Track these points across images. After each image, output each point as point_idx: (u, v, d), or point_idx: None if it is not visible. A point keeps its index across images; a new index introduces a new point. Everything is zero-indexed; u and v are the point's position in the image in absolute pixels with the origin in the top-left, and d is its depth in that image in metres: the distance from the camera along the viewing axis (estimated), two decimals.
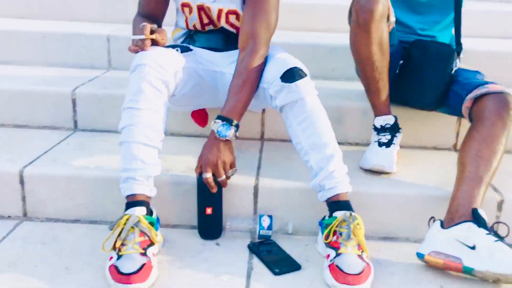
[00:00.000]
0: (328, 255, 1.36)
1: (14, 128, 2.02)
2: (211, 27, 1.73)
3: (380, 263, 1.44)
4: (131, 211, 1.36)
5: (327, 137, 1.48)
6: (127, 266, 1.26)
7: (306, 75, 1.51)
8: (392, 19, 1.64)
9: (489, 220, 1.39)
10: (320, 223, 1.45)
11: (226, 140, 1.48)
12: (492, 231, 1.34)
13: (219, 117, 1.49)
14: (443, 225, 1.39)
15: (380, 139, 1.73)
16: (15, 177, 1.61)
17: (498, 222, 1.40)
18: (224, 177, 1.48)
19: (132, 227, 1.33)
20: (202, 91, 1.72)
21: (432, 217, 1.44)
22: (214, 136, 1.48)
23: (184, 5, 1.70)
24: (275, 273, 1.37)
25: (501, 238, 1.33)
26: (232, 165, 1.51)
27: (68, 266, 1.37)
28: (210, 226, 1.54)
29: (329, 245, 1.38)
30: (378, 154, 1.68)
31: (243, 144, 1.93)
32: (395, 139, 1.73)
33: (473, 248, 1.31)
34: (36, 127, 2.03)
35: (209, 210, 1.51)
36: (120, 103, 1.94)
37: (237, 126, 1.50)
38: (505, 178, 1.69)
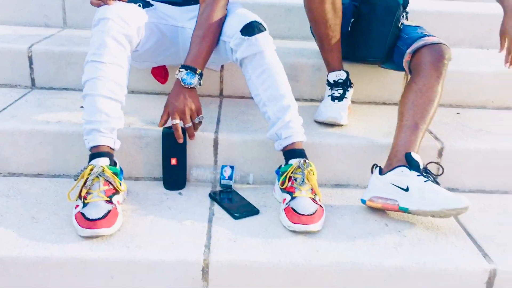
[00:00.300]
0: (284, 200, 1.46)
1: None
2: None
3: (332, 207, 1.56)
4: (95, 161, 1.41)
5: (284, 89, 1.56)
6: (93, 213, 1.31)
7: (265, 29, 1.57)
8: None
9: (426, 162, 1.53)
10: (277, 172, 1.54)
11: (191, 87, 1.54)
12: (425, 172, 1.46)
13: (183, 66, 1.55)
14: (381, 172, 1.51)
15: (333, 93, 1.82)
16: None
17: (430, 162, 1.54)
18: (191, 123, 1.55)
19: (97, 177, 1.38)
20: (164, 47, 1.76)
21: (374, 164, 1.55)
22: (180, 85, 1.54)
23: None
24: (235, 217, 1.46)
25: (432, 178, 1.46)
26: (198, 112, 1.57)
27: (34, 216, 1.41)
28: (174, 177, 1.61)
29: (285, 190, 1.48)
30: (332, 108, 1.78)
31: (202, 100, 1.98)
32: (347, 93, 1.82)
33: (406, 190, 1.42)
34: None
35: (173, 161, 1.58)
36: (77, 60, 1.97)
37: (200, 74, 1.56)
38: (445, 128, 1.83)
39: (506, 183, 1.71)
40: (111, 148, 1.47)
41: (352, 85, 1.87)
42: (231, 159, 1.67)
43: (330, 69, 1.85)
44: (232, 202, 1.54)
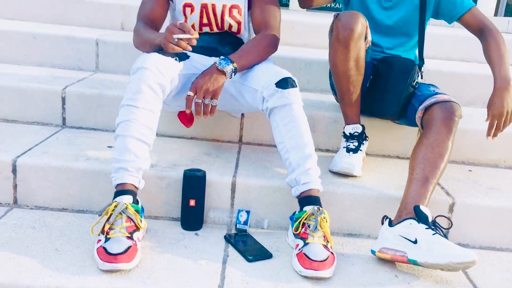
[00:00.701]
0: (297, 245, 1.51)
1: (5, 122, 2.13)
2: (207, 29, 1.90)
3: (343, 255, 1.60)
4: (119, 198, 1.49)
5: (307, 139, 1.65)
6: (114, 247, 1.38)
7: (297, 86, 1.70)
8: (369, 38, 1.83)
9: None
10: (291, 218, 1.60)
11: (222, 71, 1.65)
12: (433, 225, 1.50)
13: (224, 57, 1.69)
14: (391, 223, 1.56)
15: (348, 145, 1.90)
16: (8, 166, 1.72)
17: (439, 216, 1.58)
18: (200, 100, 1.63)
19: (120, 213, 1.45)
20: None
21: (384, 216, 1.60)
22: (214, 67, 1.66)
23: (186, 5, 1.86)
24: (249, 260, 1.51)
25: (441, 231, 1.50)
26: (214, 96, 1.65)
27: (57, 248, 1.48)
28: (192, 217, 1.67)
29: (298, 236, 1.53)
30: (346, 159, 1.85)
31: (222, 146, 2.08)
32: (362, 146, 1.90)
33: (415, 242, 1.46)
34: (26, 123, 2.14)
35: (192, 202, 1.65)
36: (107, 102, 2.09)
37: (235, 69, 1.69)
38: (457, 184, 1.88)
39: None
40: (135, 187, 1.55)
41: (367, 139, 1.94)
42: (247, 203, 1.74)
43: (348, 122, 1.93)
44: (246, 245, 1.60)
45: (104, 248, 1.38)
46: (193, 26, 1.89)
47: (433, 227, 1.49)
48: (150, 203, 1.73)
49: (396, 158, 2.17)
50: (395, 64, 1.93)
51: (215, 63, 1.68)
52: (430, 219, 1.51)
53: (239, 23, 1.91)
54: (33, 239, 1.52)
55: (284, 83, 1.66)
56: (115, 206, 1.46)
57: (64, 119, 2.15)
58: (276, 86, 1.66)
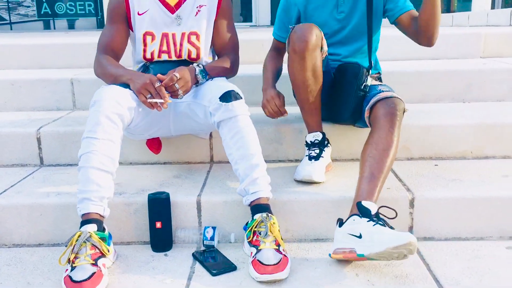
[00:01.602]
0: (252, 253, 1.57)
1: None
2: (166, 56, 1.98)
3: (308, 260, 1.64)
4: (83, 228, 1.55)
5: (253, 149, 1.71)
6: (79, 275, 1.44)
7: (241, 97, 1.77)
8: (325, 48, 1.90)
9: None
10: (245, 228, 1.66)
11: (196, 80, 1.86)
12: (376, 217, 1.53)
13: (202, 69, 1.89)
14: (341, 224, 1.59)
15: (310, 153, 1.95)
16: None
17: (382, 206, 1.60)
18: (175, 88, 1.75)
19: (84, 242, 1.52)
20: (155, 122, 1.94)
21: (338, 219, 1.63)
22: (193, 72, 1.85)
23: (147, 33, 1.96)
24: (213, 274, 1.56)
25: (383, 221, 1.52)
26: (186, 91, 1.80)
27: (30, 281, 1.55)
28: (160, 239, 1.74)
29: (251, 244, 1.59)
30: (308, 166, 1.90)
31: (194, 167, 2.15)
32: (323, 153, 1.95)
33: (359, 237, 1.50)
34: (5, 166, 2.23)
35: (158, 224, 1.71)
36: (80, 138, 2.17)
37: (207, 77, 1.90)
38: (420, 180, 1.92)
39: (480, 229, 1.76)
40: (100, 215, 1.61)
41: (329, 145, 1.99)
42: (214, 220, 1.79)
43: (309, 131, 1.99)
44: (214, 260, 1.64)
45: (70, 277, 1.45)
46: (152, 54, 1.98)
47: (375, 218, 1.52)
48: (121, 230, 1.80)
49: None
50: (347, 70, 1.98)
51: (195, 69, 1.85)
52: (374, 212, 1.54)
53: (197, 49, 1.99)
54: (7, 276, 1.59)
55: (227, 97, 1.73)
56: (79, 236, 1.52)
57: (41, 158, 2.24)
58: (220, 100, 1.73)
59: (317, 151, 1.95)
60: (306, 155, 1.96)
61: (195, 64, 1.90)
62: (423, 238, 1.78)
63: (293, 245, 1.75)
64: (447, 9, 8.02)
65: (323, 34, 1.89)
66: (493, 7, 7.11)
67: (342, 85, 1.98)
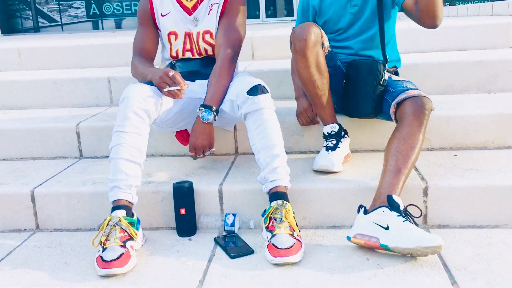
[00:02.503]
0: (267, 237, 1.68)
1: (31, 160, 2.42)
2: (190, 54, 2.11)
3: (322, 245, 1.73)
4: (114, 213, 1.70)
5: (275, 140, 1.81)
6: (108, 255, 1.59)
7: (267, 92, 1.87)
8: (326, 44, 1.97)
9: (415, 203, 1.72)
10: (262, 214, 1.76)
11: (208, 123, 1.89)
12: (404, 213, 1.62)
13: (202, 105, 1.91)
14: (366, 211, 1.67)
15: (327, 144, 2.03)
16: (27, 197, 1.98)
17: (410, 205, 1.68)
18: (201, 155, 1.93)
19: (114, 226, 1.66)
20: (183, 116, 2.07)
21: (360, 205, 1.72)
22: (199, 121, 1.90)
23: (171, 33, 2.09)
24: (231, 257, 1.67)
25: (411, 218, 1.62)
26: (211, 146, 1.93)
27: (67, 261, 1.71)
28: (185, 225, 1.86)
29: (268, 229, 1.69)
30: (326, 157, 1.98)
31: (219, 159, 2.27)
32: (340, 143, 2.02)
33: (386, 228, 1.59)
34: (48, 158, 2.42)
35: (183, 211, 1.84)
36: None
37: (216, 111, 1.90)
38: (437, 169, 1.96)
39: (494, 217, 1.79)
40: (129, 202, 1.75)
41: (346, 136, 2.06)
42: (234, 207, 1.90)
43: (325, 123, 2.06)
44: (234, 244, 1.76)
45: (101, 257, 1.60)
46: (177, 52, 2.11)
47: (404, 215, 1.60)
48: (150, 216, 1.94)
49: (383, 151, 2.26)
50: (361, 66, 2.04)
51: (198, 116, 1.90)
52: (401, 208, 1.62)
53: (213, 46, 2.10)
54: (47, 256, 1.76)
55: (254, 91, 1.83)
56: (109, 220, 1.67)
57: (80, 151, 2.41)
58: (248, 94, 1.83)
59: (334, 142, 2.02)
60: (324, 146, 2.04)
61: (198, 111, 1.92)
62: (438, 225, 1.83)
63: (310, 232, 1.84)
64: None
65: (323, 31, 1.96)
66: None
67: (358, 80, 2.04)
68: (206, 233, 1.87)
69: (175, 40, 2.11)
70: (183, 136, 2.26)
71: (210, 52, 2.10)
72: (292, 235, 1.64)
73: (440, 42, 3.06)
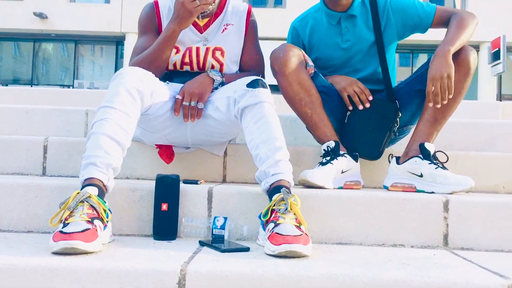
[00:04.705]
0: (269, 229, 1.37)
1: None
2: (188, 68, 1.96)
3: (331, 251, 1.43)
4: (83, 190, 1.39)
5: (277, 133, 1.60)
6: (70, 228, 1.26)
7: (267, 87, 1.70)
8: (310, 63, 1.90)
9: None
10: (259, 216, 1.47)
11: (211, 78, 1.85)
12: (434, 159, 1.75)
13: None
14: (398, 161, 1.81)
15: (321, 160, 1.85)
16: None
17: (438, 151, 1.79)
18: (187, 103, 1.77)
19: (82, 202, 1.34)
20: (174, 122, 1.85)
21: (390, 154, 1.86)
22: (205, 74, 1.86)
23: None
24: (222, 251, 1.36)
25: (441, 164, 1.76)
26: (202, 99, 1.79)
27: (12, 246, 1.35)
28: (164, 224, 1.54)
29: (268, 222, 1.40)
30: (314, 172, 1.77)
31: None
32: (334, 160, 1.82)
33: (421, 176, 1.75)
34: (5, 174, 2.10)
35: (164, 206, 1.54)
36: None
37: (223, 82, 1.88)
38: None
39: None
40: (104, 184, 1.45)
41: (345, 155, 1.86)
42: (225, 211, 1.61)
43: (321, 142, 1.90)
44: (223, 244, 1.44)
45: (60, 231, 1.26)
46: (174, 65, 1.97)
47: (435, 161, 1.74)
48: (122, 220, 1.61)
49: None
50: (377, 107, 1.94)
51: (206, 71, 1.84)
52: (432, 154, 1.76)
53: (221, 64, 1.97)
54: None
55: (254, 83, 1.68)
56: (77, 194, 1.36)
57: (44, 168, 2.11)
58: (247, 87, 1.67)
59: (328, 158, 1.83)
60: (318, 162, 1.86)
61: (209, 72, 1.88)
62: (461, 248, 1.57)
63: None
64: None
65: (303, 51, 1.91)
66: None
67: (369, 120, 1.93)
68: (189, 239, 1.55)
69: (175, 53, 1.97)
70: (167, 153, 2.01)
71: (216, 69, 1.96)
72: (298, 227, 1.35)
73: None
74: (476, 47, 12.90)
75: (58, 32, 13.44)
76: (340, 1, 1.95)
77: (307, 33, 2.07)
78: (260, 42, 2.10)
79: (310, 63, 1.91)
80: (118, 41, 14.23)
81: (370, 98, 1.93)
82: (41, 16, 13.05)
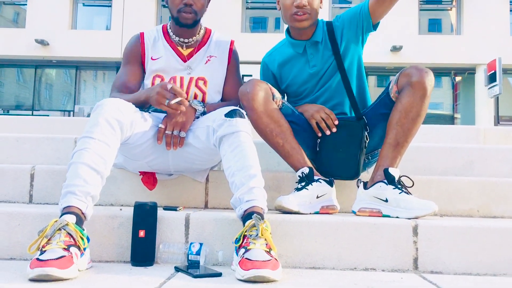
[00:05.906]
0: (240, 254, 1.43)
1: None
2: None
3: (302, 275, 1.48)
4: (61, 218, 1.44)
5: (252, 161, 1.67)
6: (46, 256, 1.31)
7: (245, 117, 1.78)
8: (277, 95, 1.97)
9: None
10: (233, 242, 1.51)
11: (193, 108, 1.93)
12: (399, 184, 1.80)
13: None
14: (366, 186, 1.85)
15: (297, 186, 1.90)
16: None
17: (403, 176, 1.85)
18: (170, 132, 1.84)
19: (59, 229, 1.40)
20: (156, 149, 1.91)
21: (358, 179, 1.91)
22: (188, 104, 1.88)
23: (157, 76, 2.03)
24: (193, 276, 1.41)
25: (405, 189, 1.80)
26: (183, 128, 1.86)
27: None
28: (141, 250, 1.59)
29: (240, 248, 1.46)
30: (289, 198, 1.83)
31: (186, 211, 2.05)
32: (309, 185, 1.88)
33: (386, 201, 1.80)
34: None
35: (142, 233, 1.59)
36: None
37: (204, 112, 1.96)
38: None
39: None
40: (82, 212, 1.50)
41: (320, 181, 1.91)
42: (202, 238, 1.66)
43: (296, 170, 1.96)
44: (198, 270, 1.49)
45: (36, 259, 1.31)
46: None
47: (399, 186, 1.79)
48: (101, 246, 1.66)
49: None
50: (342, 129, 2.01)
51: (189, 101, 1.90)
52: (397, 179, 1.80)
53: (204, 93, 2.06)
54: None
55: (232, 113, 1.75)
56: (55, 222, 1.41)
57: (31, 196, 2.16)
58: (225, 116, 1.74)
59: (303, 183, 1.89)
60: (294, 188, 1.91)
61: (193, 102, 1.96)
62: (430, 271, 1.62)
63: (286, 271, 1.58)
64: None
65: (271, 85, 1.97)
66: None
67: (340, 143, 2.00)
68: (166, 264, 1.60)
69: (160, 82, 2.04)
70: (150, 180, 2.07)
71: (199, 98, 2.04)
72: (268, 252, 1.40)
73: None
74: (472, 70, 13.04)
75: (59, 58, 13.60)
76: (304, 31, 2.07)
77: (276, 66, 2.19)
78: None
79: (277, 95, 1.98)
80: (118, 67, 14.34)
81: (336, 122, 2.00)
82: (42, 43, 13.24)
